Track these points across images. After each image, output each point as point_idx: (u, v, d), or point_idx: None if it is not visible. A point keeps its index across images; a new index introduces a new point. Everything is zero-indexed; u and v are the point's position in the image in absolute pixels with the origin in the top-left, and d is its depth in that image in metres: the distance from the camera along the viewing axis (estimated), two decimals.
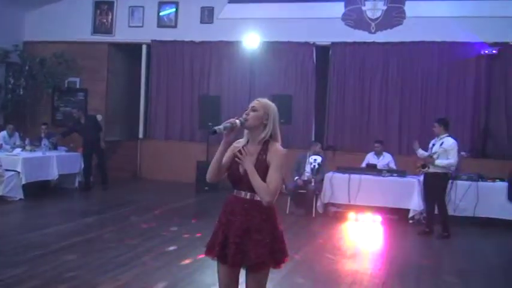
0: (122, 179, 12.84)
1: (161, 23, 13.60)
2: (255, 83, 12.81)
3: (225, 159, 3.46)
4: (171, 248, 6.93)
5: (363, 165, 10.34)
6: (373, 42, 12.26)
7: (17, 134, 11.36)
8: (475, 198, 9.11)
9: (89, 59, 13.74)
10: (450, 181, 8.67)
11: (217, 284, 3.33)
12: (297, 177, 9.88)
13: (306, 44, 12.67)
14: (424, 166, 8.40)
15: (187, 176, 12.41)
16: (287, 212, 9.61)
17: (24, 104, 13.59)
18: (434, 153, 8.21)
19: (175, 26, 13.53)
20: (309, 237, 7.91)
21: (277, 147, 3.40)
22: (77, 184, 11.40)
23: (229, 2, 13.12)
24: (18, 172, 9.67)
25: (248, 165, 3.31)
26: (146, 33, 13.61)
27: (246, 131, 3.48)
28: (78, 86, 14.11)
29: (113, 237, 7.43)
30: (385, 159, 10.37)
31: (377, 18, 12.28)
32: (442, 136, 8.27)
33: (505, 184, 9.27)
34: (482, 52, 11.44)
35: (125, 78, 14.64)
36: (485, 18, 11.44)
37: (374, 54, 12.29)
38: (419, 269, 6.58)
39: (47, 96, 13.95)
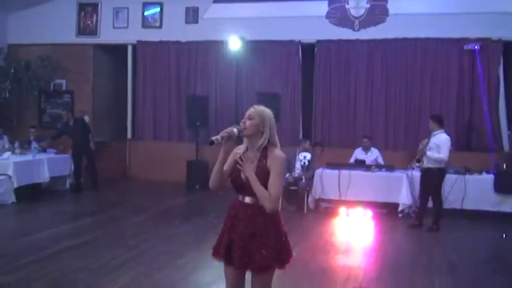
0: (112, 179, 12.88)
1: (146, 24, 13.61)
2: (242, 82, 12.90)
3: (226, 166, 3.54)
4: (167, 248, 7.00)
5: (351, 160, 10.52)
6: (357, 40, 12.40)
7: (5, 137, 11.36)
8: (462, 191, 9.33)
9: (75, 60, 13.71)
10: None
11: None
12: (287, 175, 10.00)
13: (291, 42, 12.77)
14: (419, 160, 8.56)
15: (177, 175, 12.49)
16: (279, 209, 9.69)
17: (11, 107, 13.53)
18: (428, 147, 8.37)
19: (160, 27, 13.55)
20: (302, 234, 8.01)
21: (276, 153, 3.49)
22: (68, 186, 11.43)
23: (213, 2, 13.16)
24: (10, 176, 9.67)
25: (249, 173, 3.40)
26: (131, 34, 13.61)
27: (245, 138, 3.56)
28: (64, 88, 14.08)
29: (109, 239, 7.50)
30: (373, 155, 10.56)
31: (360, 16, 12.43)
32: (436, 132, 8.42)
33: (491, 176, 9.51)
34: (464, 48, 11.63)
35: (111, 79, 14.62)
36: (467, 14, 11.66)
37: (358, 51, 12.44)
38: (411, 263, 6.75)
39: (34, 99, 13.88)
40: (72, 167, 11.33)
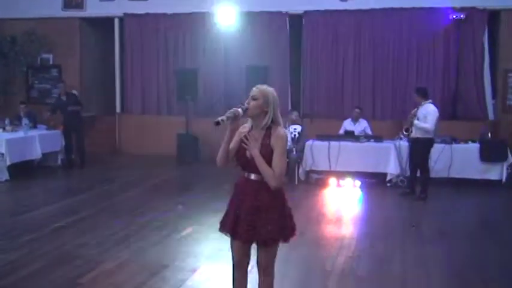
0: (102, 154, 12.95)
1: None
2: (230, 55, 12.90)
3: (232, 144, 3.67)
4: (165, 222, 7.15)
5: (341, 131, 10.70)
6: (345, 10, 12.45)
7: None
8: (449, 159, 9.57)
9: (61, 35, 13.60)
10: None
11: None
12: None
13: (279, 13, 12.76)
14: (407, 130, 8.73)
15: (168, 149, 12.59)
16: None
17: None
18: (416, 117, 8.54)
19: None
20: (294, 205, 7.98)
21: (279, 131, 3.62)
22: (59, 162, 11.49)
23: None
24: (2, 154, 9.69)
25: (254, 151, 3.55)
26: (118, 7, 13.48)
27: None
28: (51, 63, 14.00)
29: (105, 214, 7.63)
30: (362, 125, 10.74)
31: None
32: (423, 103, 8.58)
33: (477, 145, 9.75)
34: (450, 17, 11.75)
35: (99, 53, 14.54)
36: None
37: (346, 22, 12.50)
38: (403, 231, 6.98)
39: (21, 74, 13.81)
40: (63, 143, 11.36)
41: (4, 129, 10.65)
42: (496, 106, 11.98)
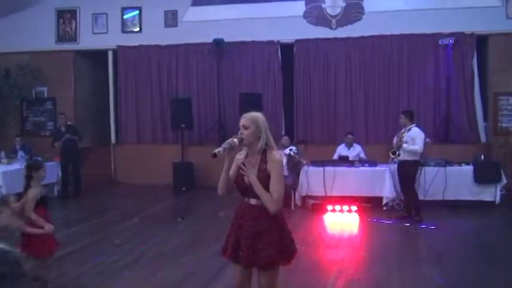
0: (98, 185, 12.96)
1: (126, 28, 13.72)
2: (224, 84, 13.08)
3: (231, 172, 3.78)
4: (163, 251, 7.16)
5: (335, 157, 10.79)
6: (335, 38, 12.70)
7: None
8: (443, 182, 9.68)
9: (55, 67, 13.74)
10: (419, 168, 9.14)
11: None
12: None
13: (271, 42, 13.00)
14: (394, 153, 8.86)
15: (163, 177, 12.65)
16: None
17: None
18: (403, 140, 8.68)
19: (140, 31, 13.68)
20: (291, 230, 8.19)
21: (274, 156, 3.71)
22: (56, 193, 11.49)
23: (192, 5, 13.33)
24: None
25: (252, 178, 3.64)
26: (111, 39, 13.70)
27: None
28: (46, 95, 14.10)
29: (105, 244, 7.63)
30: (356, 150, 10.85)
31: (337, 15, 12.73)
32: (408, 127, 8.74)
33: (470, 167, 9.87)
34: (439, 42, 11.98)
35: (93, 84, 14.70)
36: (440, 9, 12.08)
37: (336, 49, 12.74)
38: (400, 254, 7.00)
39: (15, 107, 13.89)
40: (60, 174, 11.38)
41: (0, 162, 10.66)
42: (487, 128, 12.15)
